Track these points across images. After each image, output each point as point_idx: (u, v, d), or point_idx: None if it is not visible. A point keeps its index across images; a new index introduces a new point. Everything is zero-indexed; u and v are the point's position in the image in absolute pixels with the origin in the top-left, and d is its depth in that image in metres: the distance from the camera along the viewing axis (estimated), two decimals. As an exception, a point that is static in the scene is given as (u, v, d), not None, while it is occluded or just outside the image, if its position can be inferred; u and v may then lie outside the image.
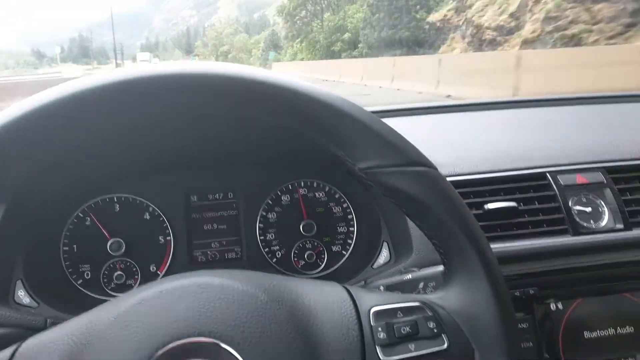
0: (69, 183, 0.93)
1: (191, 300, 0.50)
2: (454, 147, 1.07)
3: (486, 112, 1.25)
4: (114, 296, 0.98)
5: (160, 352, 0.47)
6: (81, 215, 1.00)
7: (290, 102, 0.53)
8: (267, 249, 1.06)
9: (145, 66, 0.52)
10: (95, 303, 0.99)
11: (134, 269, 1.01)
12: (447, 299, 0.56)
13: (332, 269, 1.06)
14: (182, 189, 1.05)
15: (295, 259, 1.07)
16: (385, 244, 0.95)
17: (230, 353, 0.48)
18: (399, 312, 0.54)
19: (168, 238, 1.03)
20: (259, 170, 1.08)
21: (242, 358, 0.48)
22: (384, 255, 0.94)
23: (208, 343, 0.48)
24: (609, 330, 0.85)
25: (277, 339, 0.49)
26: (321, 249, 1.08)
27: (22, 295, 0.80)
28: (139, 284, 1.00)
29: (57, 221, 0.98)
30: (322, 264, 1.07)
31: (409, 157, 0.54)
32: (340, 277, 1.04)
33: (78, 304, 0.94)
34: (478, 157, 1.00)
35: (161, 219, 1.03)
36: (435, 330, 0.53)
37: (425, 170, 0.54)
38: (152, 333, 0.48)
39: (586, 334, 0.85)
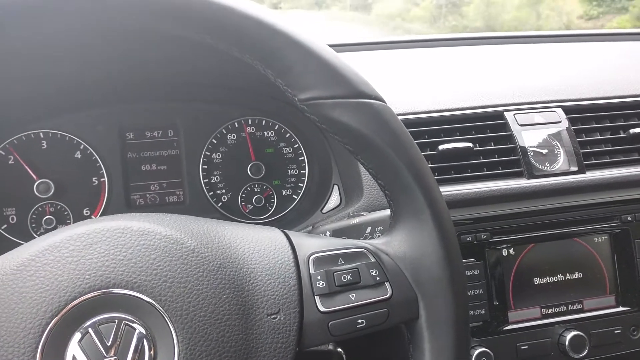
0: None
1: (105, 247, 0.44)
2: (408, 84, 1.01)
3: (443, 49, 1.19)
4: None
5: (69, 306, 0.41)
6: (3, 153, 0.91)
7: (219, 19, 0.45)
8: (211, 193, 1.00)
9: None
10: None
11: (66, 213, 0.93)
12: (391, 243, 0.51)
13: (282, 213, 1.01)
14: (116, 125, 0.96)
15: (243, 204, 1.01)
16: (335, 187, 0.90)
17: (152, 306, 0.43)
18: (340, 258, 0.49)
19: (102, 179, 0.95)
20: (202, 106, 0.99)
21: (166, 312, 0.42)
22: (334, 199, 0.89)
23: (125, 295, 0.43)
24: (559, 275, 0.85)
25: (205, 289, 0.44)
26: (270, 192, 1.02)
27: None
28: None
29: None
30: (271, 208, 1.02)
31: (354, 88, 0.48)
32: (288, 222, 1.00)
33: (3, 251, 0.86)
34: (433, 95, 0.95)
35: (94, 157, 0.94)
36: (377, 278, 0.49)
37: (371, 103, 0.48)
38: (61, 285, 0.42)
39: (536, 280, 0.84)
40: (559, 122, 0.92)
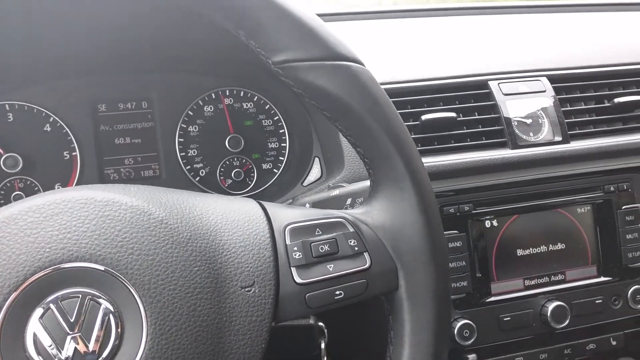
0: None
1: (67, 218, 0.41)
2: (390, 54, 0.98)
3: (427, 19, 1.16)
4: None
5: (29, 281, 0.39)
6: (-34, 127, 0.86)
7: None
8: (188, 167, 0.97)
9: None
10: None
11: (36, 189, 0.89)
12: (371, 213, 0.50)
13: (262, 188, 0.99)
14: (87, 97, 0.92)
15: (222, 178, 0.98)
16: (316, 160, 0.88)
17: (118, 279, 0.40)
18: (318, 229, 0.47)
19: (74, 153, 0.91)
20: (177, 76, 0.96)
21: (132, 285, 0.40)
22: (315, 172, 0.87)
23: (89, 269, 0.40)
24: (541, 247, 0.84)
25: (174, 261, 0.42)
26: (250, 166, 0.99)
27: None
28: None
29: None
30: (251, 183, 0.99)
31: (331, 49, 0.46)
32: (269, 196, 0.97)
33: None
34: (416, 64, 0.92)
35: (64, 131, 0.90)
36: (356, 248, 0.47)
37: (349, 65, 0.46)
38: (19, 259, 0.39)
39: (519, 252, 0.83)
40: (544, 91, 0.91)
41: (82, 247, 0.40)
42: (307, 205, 0.68)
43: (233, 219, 0.47)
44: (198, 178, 0.97)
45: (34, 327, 0.38)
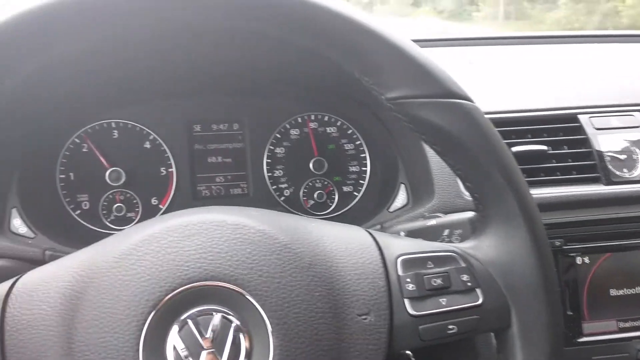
0: (64, 103, 0.85)
1: (203, 239, 0.44)
2: (478, 83, 0.98)
3: (517, 47, 1.15)
4: (113, 229, 0.93)
5: (169, 296, 0.42)
6: (78, 141, 0.93)
7: (310, 16, 0.45)
8: (274, 186, 1.00)
9: None
10: (95, 235, 0.96)
11: (135, 201, 0.95)
12: (481, 248, 0.50)
13: (343, 210, 1.01)
14: (184, 117, 0.98)
15: (305, 198, 1.01)
16: (402, 186, 0.89)
17: (249, 300, 0.43)
18: (429, 261, 0.48)
19: (170, 170, 0.97)
20: (267, 101, 1.00)
21: (262, 306, 0.42)
22: (401, 198, 0.88)
23: (222, 288, 0.43)
24: (637, 287, 0.81)
25: (298, 285, 0.44)
26: (332, 188, 1.02)
27: (18, 225, 0.75)
28: (140, 217, 0.95)
29: (53, 146, 0.91)
30: (332, 204, 1.02)
31: (444, 87, 0.47)
32: (352, 219, 0.99)
33: (76, 236, 0.89)
34: (505, 95, 0.92)
35: (162, 148, 0.96)
36: (469, 284, 0.47)
37: (461, 103, 0.47)
38: (162, 275, 0.42)
39: (612, 292, 0.80)
40: (637, 126, 0.88)
41: (216, 267, 0.43)
42: (402, 233, 0.69)
43: (347, 247, 0.49)
44: (283, 197, 1.00)
45: (174, 340, 0.41)
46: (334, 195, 1.02)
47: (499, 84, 0.99)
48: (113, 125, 0.95)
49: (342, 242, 0.49)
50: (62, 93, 0.80)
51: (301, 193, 1.01)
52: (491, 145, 0.48)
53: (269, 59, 0.84)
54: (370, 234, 0.52)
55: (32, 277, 0.45)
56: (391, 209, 0.88)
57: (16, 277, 0.46)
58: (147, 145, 0.96)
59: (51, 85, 0.75)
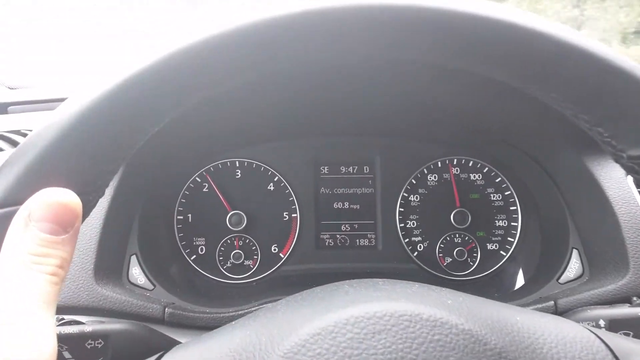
0: (189, 141, 0.80)
1: (392, 338, 0.32)
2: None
3: None
4: (229, 277, 0.85)
5: None
6: (199, 180, 0.87)
7: (535, 51, 0.33)
8: (407, 239, 0.88)
9: None
10: (211, 285, 0.88)
11: (254, 248, 0.87)
12: None
13: (487, 272, 0.86)
14: (311, 158, 0.89)
15: (441, 255, 0.87)
16: (575, 252, 0.72)
17: None
18: None
19: (294, 215, 0.87)
20: (402, 142, 0.89)
21: None
22: (574, 267, 0.71)
23: None
24: None
25: None
26: (473, 245, 0.87)
27: (137, 274, 0.69)
28: (259, 265, 0.86)
29: (174, 185, 0.86)
30: (473, 264, 0.87)
31: None
32: (499, 285, 0.83)
33: (193, 288, 0.82)
34: None
35: (287, 191, 0.88)
36: None
37: None
38: None
39: None
40: None
41: None
42: (602, 322, 0.53)
43: (572, 355, 0.35)
44: (416, 253, 0.87)
45: None
46: (476, 253, 0.87)
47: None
48: (237, 164, 0.88)
49: (563, 347, 0.35)
50: (190, 131, 0.74)
51: (437, 249, 0.88)
52: None
53: (408, 95, 0.73)
54: (598, 335, 0.37)
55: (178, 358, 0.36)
56: (562, 280, 0.71)
57: (158, 355, 0.37)
58: (271, 187, 0.88)
59: (191, 124, 0.70)
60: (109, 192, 0.66)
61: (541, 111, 0.68)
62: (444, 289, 0.39)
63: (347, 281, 0.41)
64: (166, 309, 0.62)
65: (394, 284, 0.39)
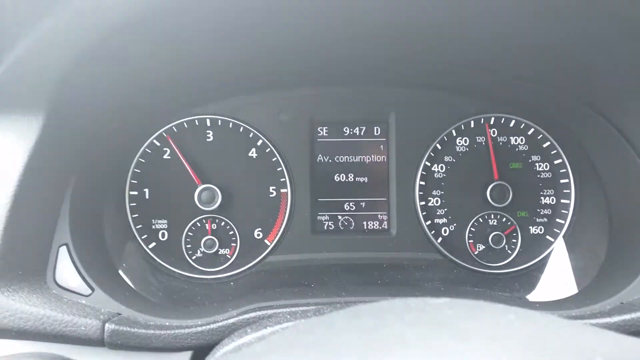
0: (144, 90, 0.58)
1: None
2: None
3: None
4: (200, 271, 0.66)
5: None
6: (157, 144, 0.67)
7: None
8: (428, 222, 0.69)
9: None
10: (176, 284, 0.68)
11: (231, 233, 0.67)
12: None
13: (528, 264, 0.68)
14: (306, 115, 0.68)
15: (471, 242, 0.69)
16: None
17: None
18: None
19: (283, 190, 0.68)
20: (425, 94, 0.68)
21: None
22: None
23: None
24: None
25: None
26: (513, 228, 0.69)
27: (67, 273, 0.50)
28: (237, 255, 0.67)
29: (124, 150, 0.65)
30: (512, 252, 0.68)
31: None
32: (551, 282, 0.65)
33: (150, 290, 0.61)
34: None
35: (274, 159, 0.67)
36: None
37: None
38: None
39: None
40: None
41: None
42: None
43: None
44: (440, 239, 0.69)
45: None
46: (516, 239, 0.68)
47: None
48: (208, 123, 0.67)
49: None
50: (155, 76, 0.53)
51: (467, 233, 0.69)
52: None
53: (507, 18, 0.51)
54: None
55: None
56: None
57: None
58: (253, 153, 0.67)
59: (148, 66, 0.49)
60: (22, 156, 0.44)
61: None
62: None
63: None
64: (106, 325, 0.44)
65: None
